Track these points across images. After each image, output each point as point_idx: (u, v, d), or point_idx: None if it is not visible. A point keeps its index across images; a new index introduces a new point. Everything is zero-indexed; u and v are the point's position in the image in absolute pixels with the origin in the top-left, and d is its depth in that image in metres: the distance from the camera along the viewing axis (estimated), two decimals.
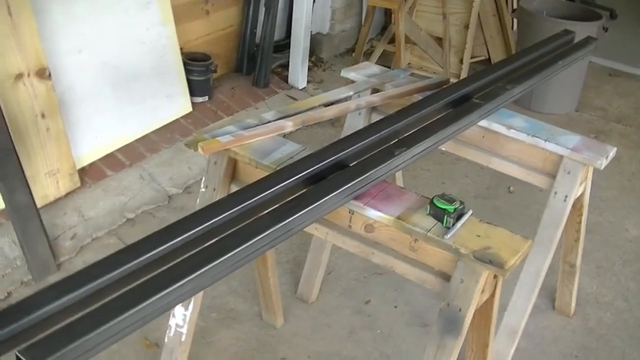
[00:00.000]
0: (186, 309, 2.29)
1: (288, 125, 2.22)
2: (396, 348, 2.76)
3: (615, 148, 2.40)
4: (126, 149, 3.61)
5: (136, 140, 3.68)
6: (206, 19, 4.25)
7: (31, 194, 2.92)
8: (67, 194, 3.27)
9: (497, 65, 2.76)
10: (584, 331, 2.95)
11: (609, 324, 3.00)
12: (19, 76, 2.99)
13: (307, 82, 4.79)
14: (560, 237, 2.51)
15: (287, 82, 4.72)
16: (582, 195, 2.52)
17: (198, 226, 1.62)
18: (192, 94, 4.02)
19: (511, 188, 3.85)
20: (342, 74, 2.76)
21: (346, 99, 2.52)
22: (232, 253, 1.53)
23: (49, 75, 3.11)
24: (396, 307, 2.98)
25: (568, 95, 4.81)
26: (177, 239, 1.58)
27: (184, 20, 3.99)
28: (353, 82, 2.69)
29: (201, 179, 3.57)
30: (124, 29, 3.55)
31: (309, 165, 1.92)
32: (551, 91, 4.64)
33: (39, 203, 3.03)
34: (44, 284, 2.90)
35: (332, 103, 2.44)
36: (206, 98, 4.16)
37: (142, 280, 1.46)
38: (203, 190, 2.22)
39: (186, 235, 1.60)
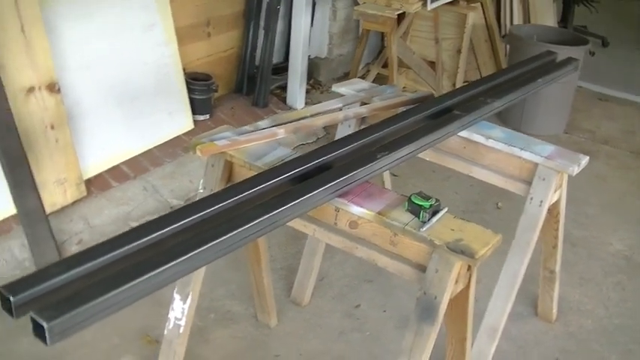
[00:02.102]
0: (185, 302, 2.44)
1: (281, 132, 2.39)
2: (384, 348, 2.90)
3: (587, 157, 2.56)
4: (130, 162, 3.78)
5: (140, 154, 3.85)
6: (208, 41, 4.44)
7: (41, 200, 3.09)
8: (74, 202, 3.44)
9: (479, 81, 2.92)
10: (565, 335, 3.09)
11: (589, 330, 3.14)
12: (31, 90, 3.17)
13: (305, 103, 4.96)
14: (539, 242, 2.67)
15: (285, 103, 4.90)
16: (558, 202, 2.68)
17: (196, 214, 1.79)
18: (193, 112, 4.19)
19: (499, 204, 4.01)
20: (333, 89, 2.94)
21: (336, 110, 2.69)
22: (225, 237, 1.68)
23: (59, 89, 3.29)
24: (384, 311, 3.12)
25: (556, 117, 4.98)
26: (177, 224, 1.75)
27: (187, 42, 4.18)
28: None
29: (199, 193, 3.76)
30: (130, 48, 3.74)
31: (297, 165, 2.08)
32: (540, 113, 4.82)
33: (47, 210, 3.19)
34: None
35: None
36: (207, 116, 4.34)
37: (144, 257, 1.61)
38: (201, 191, 2.39)
39: (185, 221, 1.76)
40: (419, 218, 1.99)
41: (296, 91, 4.85)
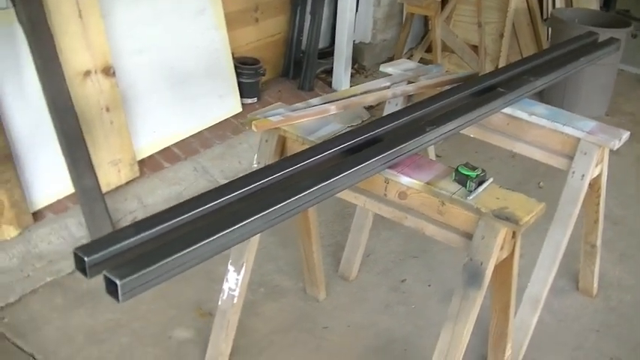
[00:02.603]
0: (239, 274, 2.55)
1: (332, 109, 2.49)
2: (429, 321, 2.99)
3: (628, 132, 2.63)
4: (181, 144, 3.91)
5: (191, 136, 3.98)
6: (256, 26, 4.55)
7: (97, 179, 3.23)
8: (128, 182, 3.57)
9: (521, 61, 3.00)
10: (606, 309, 3.15)
11: (630, 305, 3.20)
12: (87, 73, 3.31)
13: (350, 87, 5.05)
14: (580, 218, 2.73)
15: (331, 87, 5.00)
16: (599, 176, 2.74)
17: (253, 183, 1.89)
18: (242, 95, 4.30)
19: (540, 184, 4.07)
20: (380, 69, 3.03)
21: (384, 89, 2.78)
22: (283, 203, 1.78)
23: (114, 73, 3.42)
24: (429, 285, 3.21)
25: (598, 100, 5.02)
26: (236, 193, 1.85)
27: (236, 27, 4.29)
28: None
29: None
30: (181, 32, 3.86)
31: (349, 139, 2.18)
32: (582, 96, 4.85)
33: (102, 189, 3.31)
34: None
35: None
36: (255, 100, 4.45)
37: (206, 222, 1.72)
38: (255, 165, 2.49)
39: (244, 189, 1.87)
40: (466, 187, 2.08)
41: (341, 75, 4.94)
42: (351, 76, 5.11)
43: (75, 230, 3.27)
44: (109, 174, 3.46)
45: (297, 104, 2.50)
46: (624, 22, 4.95)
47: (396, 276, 3.27)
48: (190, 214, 1.76)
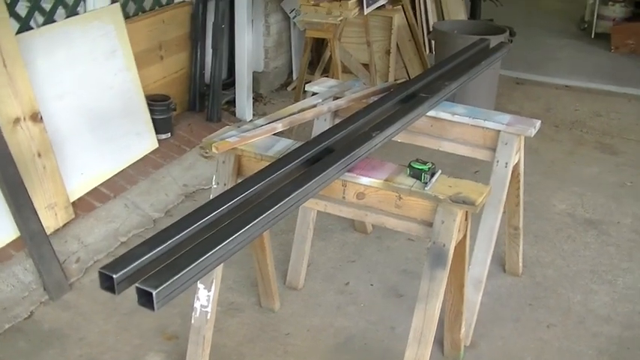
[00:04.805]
0: (209, 290, 2.70)
1: (279, 126, 2.69)
2: (379, 315, 3.22)
3: (539, 121, 2.96)
4: (108, 183, 4.00)
5: (115, 175, 4.07)
6: (161, 64, 4.69)
7: (41, 223, 3.30)
8: (65, 225, 3.63)
9: (433, 69, 3.30)
10: (533, 285, 3.47)
11: (553, 278, 3.53)
12: (17, 121, 3.37)
13: (253, 115, 5.25)
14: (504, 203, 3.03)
15: (235, 116, 5.18)
16: (518, 163, 3.05)
17: (236, 197, 2.07)
18: (156, 131, 4.41)
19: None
20: (306, 88, 3.26)
21: (316, 106, 3.00)
22: (270, 211, 1.97)
23: (41, 118, 3.50)
24: (372, 285, 3.44)
25: (485, 101, 5.37)
26: (225, 206, 2.03)
27: (143, 66, 4.41)
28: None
29: (177, 205, 4.02)
30: (96, 75, 3.97)
31: (305, 151, 2.39)
32: (469, 100, 5.20)
33: None
34: (61, 302, 3.26)
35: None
36: (169, 135, 4.57)
37: (209, 234, 1.89)
38: (215, 186, 2.66)
39: (230, 203, 2.05)
40: (420, 180, 2.32)
41: (244, 104, 5.13)
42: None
43: (22, 276, 3.31)
44: (47, 218, 3.52)
45: (245, 126, 2.69)
46: (498, 28, 5.37)
47: (339, 280, 3.48)
48: (192, 227, 1.93)
